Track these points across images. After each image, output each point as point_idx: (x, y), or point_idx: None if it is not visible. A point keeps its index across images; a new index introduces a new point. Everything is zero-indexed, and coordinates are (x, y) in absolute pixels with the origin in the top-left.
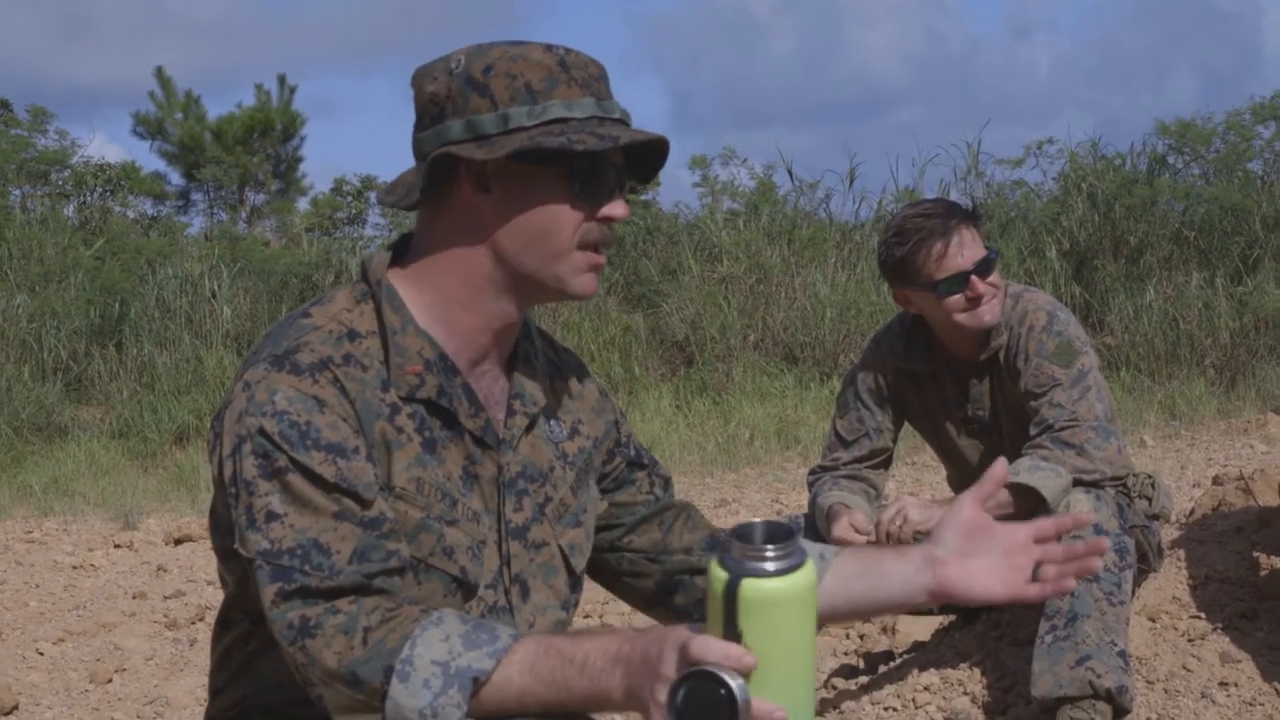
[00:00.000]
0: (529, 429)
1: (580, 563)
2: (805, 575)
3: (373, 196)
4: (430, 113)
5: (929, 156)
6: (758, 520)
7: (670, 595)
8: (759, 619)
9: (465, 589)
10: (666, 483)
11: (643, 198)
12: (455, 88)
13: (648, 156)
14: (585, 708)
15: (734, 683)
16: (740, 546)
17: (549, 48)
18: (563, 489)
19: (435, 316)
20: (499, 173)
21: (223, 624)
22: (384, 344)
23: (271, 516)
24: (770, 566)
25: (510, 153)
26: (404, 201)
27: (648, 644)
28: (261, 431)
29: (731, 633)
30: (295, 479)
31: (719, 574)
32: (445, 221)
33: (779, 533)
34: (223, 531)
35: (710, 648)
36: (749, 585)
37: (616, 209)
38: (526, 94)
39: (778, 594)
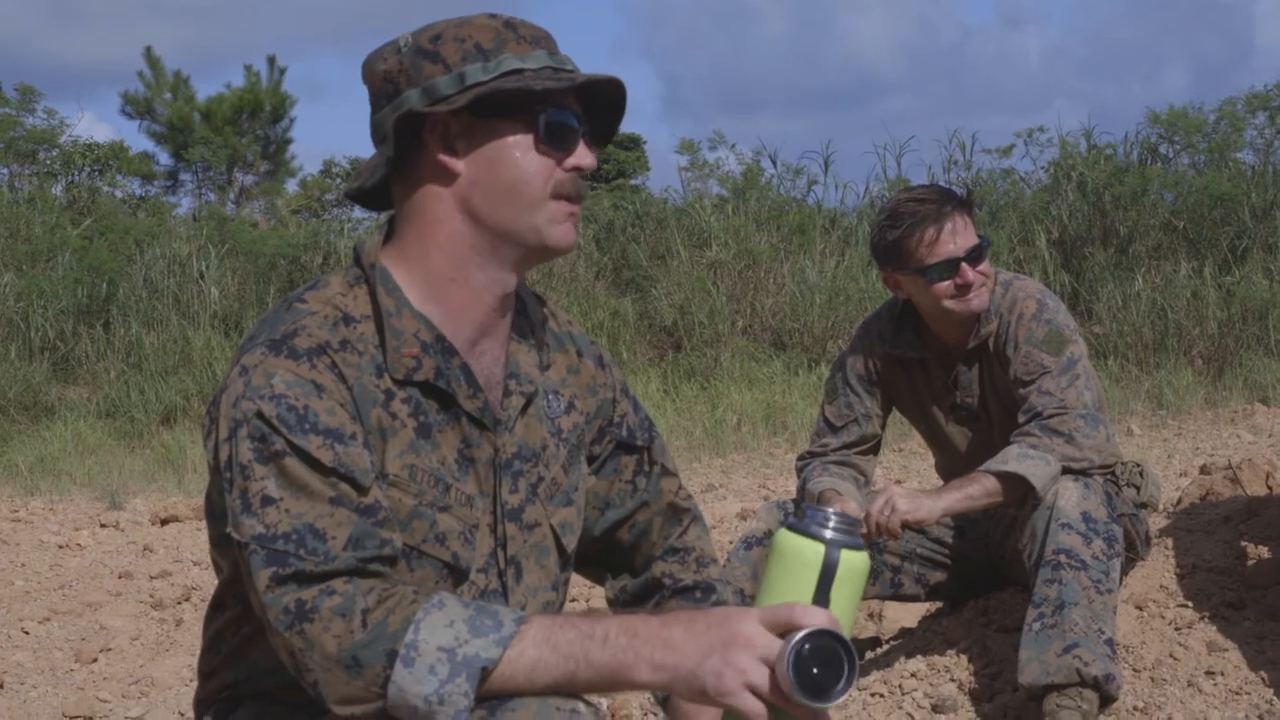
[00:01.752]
0: (525, 409)
1: (571, 542)
2: (867, 553)
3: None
4: (386, 90)
5: (912, 146)
6: (826, 506)
7: (642, 601)
8: (848, 587)
9: (456, 574)
10: (654, 468)
11: (632, 182)
12: (407, 61)
13: (606, 118)
14: (597, 683)
15: (849, 639)
16: (837, 520)
17: (493, 15)
18: (554, 467)
19: (428, 296)
20: (463, 132)
21: (216, 607)
22: (379, 328)
23: (267, 501)
24: (858, 539)
25: (471, 100)
26: (371, 179)
27: (692, 619)
28: (259, 415)
29: (823, 599)
30: (292, 463)
31: (811, 545)
32: (419, 194)
33: (847, 514)
34: (218, 517)
35: (814, 614)
36: (849, 556)
37: (584, 158)
38: (478, 53)
39: (865, 564)
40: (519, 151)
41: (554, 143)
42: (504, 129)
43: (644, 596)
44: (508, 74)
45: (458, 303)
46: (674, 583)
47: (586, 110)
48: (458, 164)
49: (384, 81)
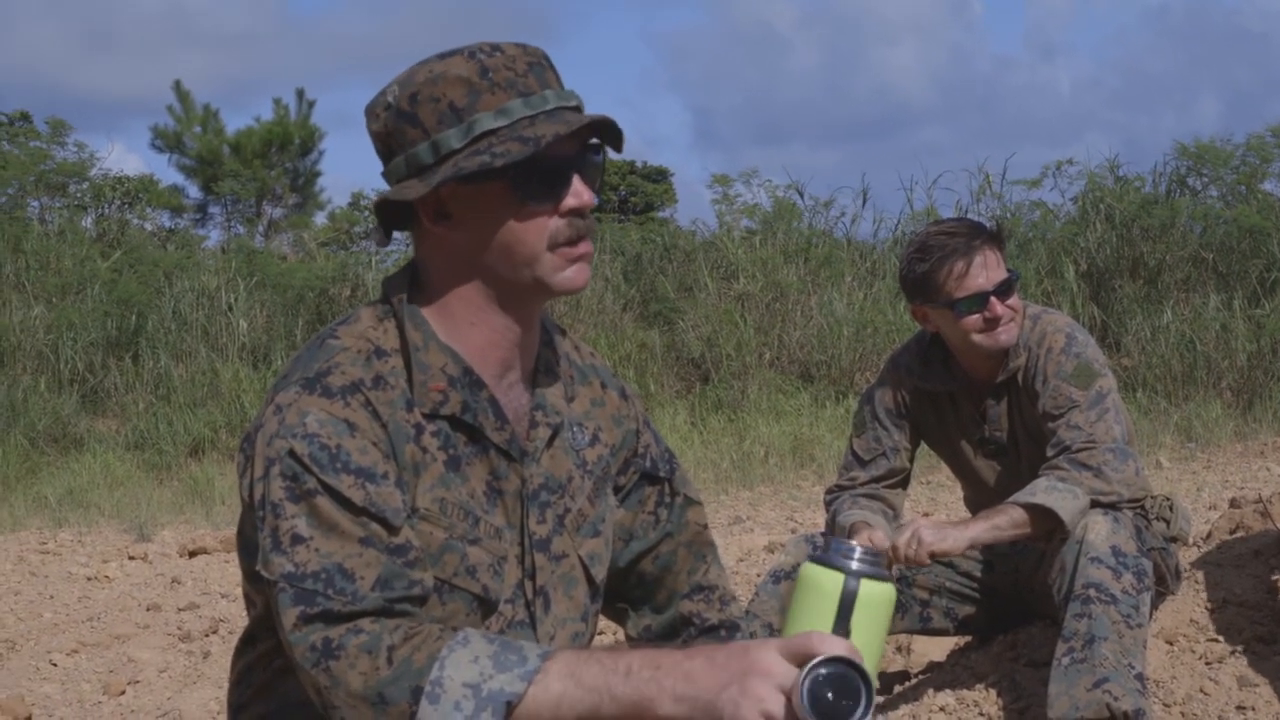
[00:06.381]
0: (551, 440)
1: (600, 573)
2: (892, 585)
3: None
4: (382, 151)
5: (943, 178)
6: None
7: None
8: (869, 617)
9: (486, 607)
10: (676, 499)
11: (660, 215)
12: (391, 124)
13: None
14: (621, 717)
15: (866, 667)
16: (861, 551)
17: (471, 55)
18: (581, 499)
19: (451, 336)
20: (451, 197)
21: (247, 641)
22: (406, 362)
23: (297, 540)
24: (883, 571)
25: (436, 185)
26: (380, 242)
27: (713, 651)
28: (291, 454)
29: (842, 629)
30: (323, 502)
31: (830, 575)
32: (425, 250)
33: (873, 548)
34: (251, 552)
35: (831, 642)
36: (869, 586)
37: (576, 199)
38: (452, 114)
39: (888, 595)
40: (506, 214)
41: (540, 197)
42: (489, 191)
43: (670, 635)
44: (481, 137)
45: (478, 343)
46: (701, 622)
47: (592, 128)
48: (453, 233)
49: (378, 141)
